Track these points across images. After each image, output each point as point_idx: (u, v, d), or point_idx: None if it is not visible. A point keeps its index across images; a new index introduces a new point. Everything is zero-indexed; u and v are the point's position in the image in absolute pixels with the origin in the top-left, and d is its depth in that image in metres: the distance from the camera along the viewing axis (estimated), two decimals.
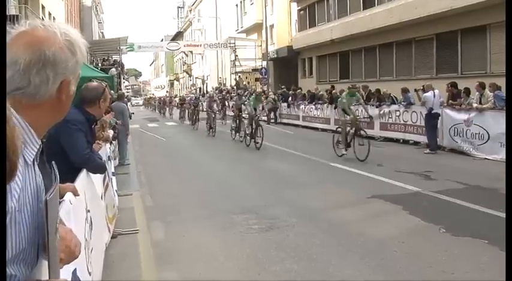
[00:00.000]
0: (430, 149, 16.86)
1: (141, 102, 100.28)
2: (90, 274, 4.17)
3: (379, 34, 29.04)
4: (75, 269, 3.16)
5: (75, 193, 3.77)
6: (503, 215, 8.23)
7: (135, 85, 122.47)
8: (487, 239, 7.21)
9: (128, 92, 54.61)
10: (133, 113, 24.39)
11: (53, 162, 1.74)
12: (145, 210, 9.83)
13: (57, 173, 1.73)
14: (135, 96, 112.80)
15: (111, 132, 10.47)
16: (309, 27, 39.44)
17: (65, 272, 2.71)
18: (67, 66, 1.66)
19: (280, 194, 11.00)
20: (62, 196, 3.47)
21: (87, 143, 5.31)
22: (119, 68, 39.45)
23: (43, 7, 33.72)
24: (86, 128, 5.31)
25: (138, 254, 7.19)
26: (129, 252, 7.22)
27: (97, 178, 6.14)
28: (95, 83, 5.68)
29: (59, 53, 1.63)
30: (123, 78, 51.50)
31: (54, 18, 33.57)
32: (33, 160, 1.60)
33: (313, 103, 28.11)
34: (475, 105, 16.05)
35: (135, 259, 6.96)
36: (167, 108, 53.39)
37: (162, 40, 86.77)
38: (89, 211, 4.73)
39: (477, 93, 16.41)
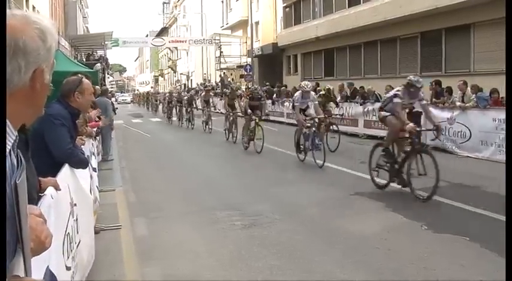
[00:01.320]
0: None
1: (128, 99, 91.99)
2: (69, 268, 4.14)
3: (364, 32, 29.10)
4: (48, 266, 3.13)
5: (57, 188, 3.75)
6: (485, 212, 8.34)
7: (119, 81, 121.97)
8: (468, 236, 7.27)
9: (112, 88, 54.08)
10: (117, 108, 24.30)
11: (18, 150, 1.71)
12: (128, 206, 9.81)
13: (23, 159, 1.72)
14: (121, 92, 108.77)
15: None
16: (294, 25, 39.45)
17: (38, 270, 2.70)
18: (39, 54, 1.64)
19: (264, 190, 11.01)
20: (43, 190, 3.46)
21: (70, 138, 5.28)
22: (104, 63, 39.24)
23: (27, 0, 33.47)
24: (69, 123, 5.29)
25: (121, 250, 7.18)
26: (111, 248, 7.20)
27: (83, 172, 6.12)
28: (73, 77, 5.66)
29: (30, 41, 1.62)
30: (108, 74, 51.27)
31: (38, 12, 33.25)
32: (10, 150, 1.59)
33: None
34: (458, 103, 16.16)
35: (117, 254, 6.95)
36: (186, 111, 29.87)
37: (147, 36, 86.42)
38: (75, 204, 4.72)
39: (460, 91, 16.53)
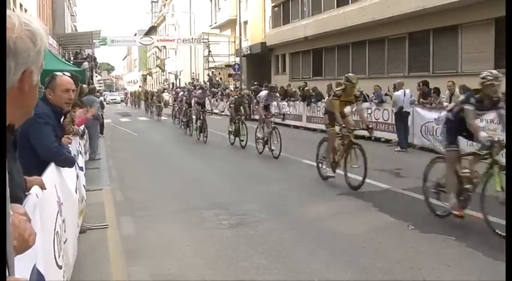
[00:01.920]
0: (400, 147, 17.01)
1: (118, 98, 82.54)
2: (60, 267, 4.14)
3: (352, 32, 29.17)
4: (35, 265, 3.12)
5: (42, 187, 3.73)
6: (471, 212, 8.36)
7: (107, 79, 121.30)
8: (454, 236, 7.30)
9: (100, 87, 53.57)
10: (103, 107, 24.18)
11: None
12: (115, 205, 9.78)
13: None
14: (110, 91, 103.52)
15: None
16: (283, 24, 39.47)
17: (23, 269, 2.68)
18: (29, 56, 1.64)
19: (251, 190, 11.01)
20: (28, 189, 3.44)
21: (55, 136, 5.25)
22: (91, 62, 39.12)
23: None
24: (53, 122, 5.25)
25: (107, 249, 7.15)
26: (97, 247, 7.18)
27: (69, 171, 6.09)
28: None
29: (20, 43, 1.62)
30: (96, 73, 51.04)
31: (25, 10, 33.12)
32: None
33: (286, 100, 28.12)
34: (445, 104, 16.22)
35: (103, 254, 6.92)
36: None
37: (135, 34, 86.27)
38: (62, 203, 4.70)
39: (448, 91, 16.59)
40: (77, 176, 7.50)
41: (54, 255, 3.96)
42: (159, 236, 7.74)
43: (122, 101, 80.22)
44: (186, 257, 6.73)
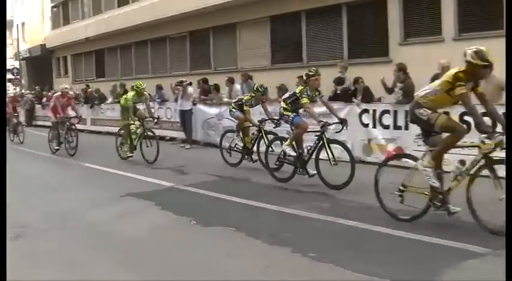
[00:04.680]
0: (185, 144, 17.28)
1: None
2: None
3: (134, 32, 28.98)
4: None
5: None
6: (248, 202, 8.75)
7: None
8: (234, 227, 7.56)
9: None
10: None
11: None
12: None
13: None
14: None
15: None
16: (63, 25, 38.32)
17: None
18: None
19: (29, 199, 10.40)
20: None
21: None
22: None
23: None
24: None
25: None
26: None
27: None
28: None
29: None
30: None
31: None
32: None
33: None
34: (225, 99, 16.76)
35: None
36: None
37: None
38: None
39: (227, 87, 17.17)
40: None
41: None
42: None
43: None
44: None
